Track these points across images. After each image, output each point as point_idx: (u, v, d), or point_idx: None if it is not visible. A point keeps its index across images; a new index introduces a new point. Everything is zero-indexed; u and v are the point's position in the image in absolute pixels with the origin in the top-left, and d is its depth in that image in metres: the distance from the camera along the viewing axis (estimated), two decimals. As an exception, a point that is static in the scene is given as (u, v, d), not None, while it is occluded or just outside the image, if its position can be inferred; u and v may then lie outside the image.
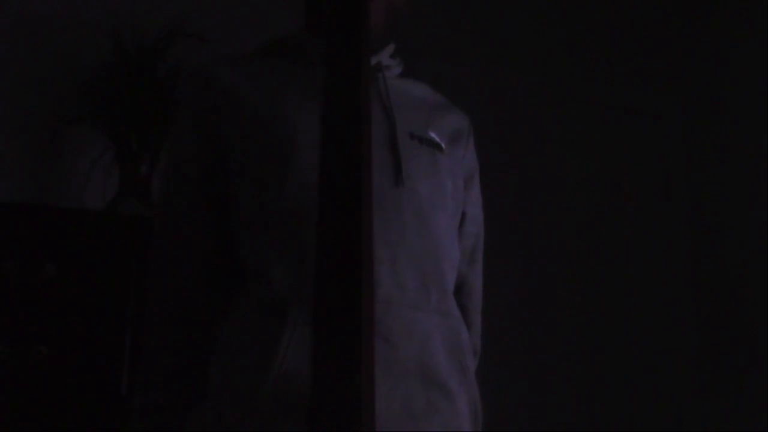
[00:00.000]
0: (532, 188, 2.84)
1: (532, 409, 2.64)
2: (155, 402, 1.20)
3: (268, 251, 1.16)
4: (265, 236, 1.17)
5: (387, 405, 1.10)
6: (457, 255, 1.30)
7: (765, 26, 2.86)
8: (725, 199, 2.93)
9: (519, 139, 2.83)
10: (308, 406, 0.49)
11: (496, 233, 1.91)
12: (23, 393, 1.73)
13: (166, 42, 2.09)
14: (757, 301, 2.76)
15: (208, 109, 1.23)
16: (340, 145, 0.59)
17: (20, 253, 1.79)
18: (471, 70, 2.79)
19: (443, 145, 1.29)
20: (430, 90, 1.39)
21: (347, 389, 0.49)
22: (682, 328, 2.92)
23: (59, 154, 2.17)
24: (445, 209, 1.27)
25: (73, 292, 1.80)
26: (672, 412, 2.83)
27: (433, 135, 1.28)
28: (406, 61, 1.38)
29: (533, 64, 2.88)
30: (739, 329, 2.82)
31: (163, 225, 1.26)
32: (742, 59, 2.95)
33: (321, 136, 0.62)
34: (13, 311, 1.77)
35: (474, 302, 1.41)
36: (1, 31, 2.21)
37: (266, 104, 1.22)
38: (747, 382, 2.76)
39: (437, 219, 1.24)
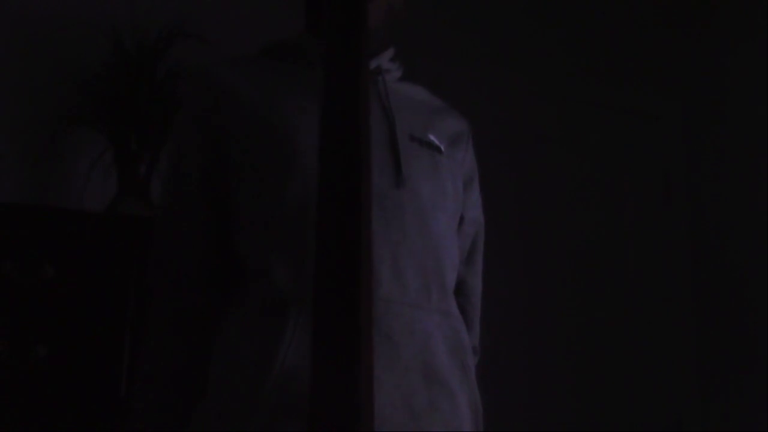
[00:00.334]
0: (531, 190, 2.84)
1: (533, 410, 2.64)
2: (155, 402, 1.21)
3: (269, 251, 1.16)
4: (266, 236, 1.17)
5: (389, 403, 1.10)
6: (456, 256, 1.31)
7: (765, 27, 2.86)
8: (725, 200, 2.93)
9: (518, 140, 2.83)
10: (308, 406, 0.49)
11: (497, 234, 1.91)
12: (22, 394, 1.73)
13: (166, 42, 2.09)
14: (757, 302, 2.76)
15: (209, 109, 1.23)
16: (340, 145, 0.60)
17: (19, 253, 1.79)
18: (471, 70, 2.79)
19: (443, 148, 1.30)
20: (429, 94, 1.40)
21: (346, 389, 0.49)
22: (681, 328, 2.92)
23: (58, 154, 2.17)
24: (446, 210, 1.27)
25: (73, 292, 1.79)
26: (672, 412, 2.83)
27: (432, 138, 1.29)
28: (406, 61, 1.39)
29: (533, 64, 2.88)
30: (739, 330, 2.82)
31: (162, 224, 1.27)
32: (742, 60, 2.95)
33: (320, 136, 0.62)
34: (12, 312, 1.76)
35: (472, 303, 1.41)
36: (0, 32, 2.21)
37: (267, 105, 1.22)
38: (747, 382, 2.76)
39: (438, 219, 1.24)
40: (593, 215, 2.90)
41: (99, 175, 2.12)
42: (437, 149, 1.29)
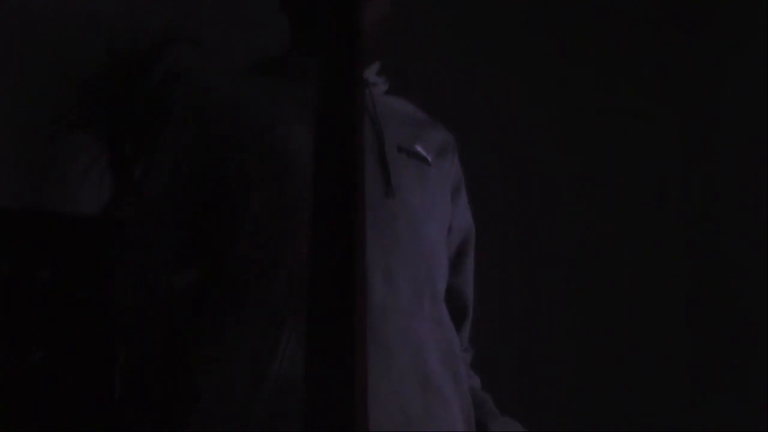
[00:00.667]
0: (526, 192, 2.84)
1: (533, 410, 2.64)
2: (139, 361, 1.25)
3: (265, 259, 1.16)
4: (261, 244, 1.17)
5: (385, 410, 1.11)
6: (446, 265, 1.32)
7: (763, 29, 2.86)
8: (721, 201, 2.94)
9: (513, 142, 2.84)
10: (303, 413, 0.49)
11: (492, 237, 1.92)
12: (18, 397, 1.73)
13: (162, 46, 2.09)
14: (754, 302, 2.76)
15: (204, 116, 1.24)
16: (334, 154, 0.60)
17: (15, 257, 1.79)
18: (464, 74, 2.80)
19: (430, 159, 1.32)
20: (414, 107, 1.43)
21: (341, 396, 0.49)
22: (678, 329, 2.93)
23: (54, 158, 2.17)
24: (435, 220, 1.29)
25: (68, 296, 1.79)
26: (668, 413, 2.84)
27: (419, 149, 1.32)
28: (398, 67, 1.41)
29: (527, 66, 2.88)
30: (736, 330, 2.82)
31: (139, 212, 1.30)
32: (739, 62, 2.96)
33: (314, 150, 0.62)
34: (8, 315, 1.76)
35: (462, 307, 1.42)
36: (-5, 35, 2.21)
37: (259, 115, 1.23)
38: (744, 381, 2.76)
39: (428, 229, 1.26)
40: (589, 217, 2.91)
41: (94, 179, 2.12)
42: (425, 160, 1.31)
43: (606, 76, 3.00)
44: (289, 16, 1.35)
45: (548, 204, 2.85)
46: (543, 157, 2.87)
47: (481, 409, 1.35)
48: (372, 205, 1.19)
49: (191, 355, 1.25)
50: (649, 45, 3.09)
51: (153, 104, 2.02)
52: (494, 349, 2.52)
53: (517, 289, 2.71)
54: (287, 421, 1.08)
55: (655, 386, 2.85)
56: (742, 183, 2.87)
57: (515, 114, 2.84)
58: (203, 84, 1.28)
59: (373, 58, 1.35)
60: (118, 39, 2.16)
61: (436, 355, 1.21)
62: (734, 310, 2.84)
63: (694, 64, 3.10)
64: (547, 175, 2.87)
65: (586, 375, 2.77)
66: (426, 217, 1.26)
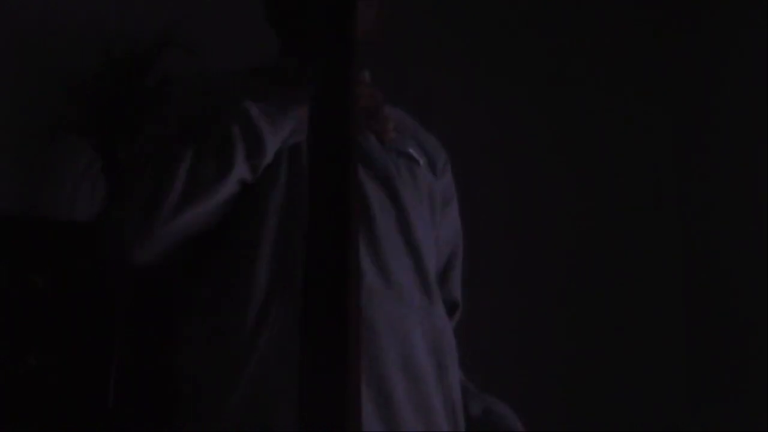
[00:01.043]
0: (522, 195, 2.85)
1: (532, 411, 2.63)
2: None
3: (250, 248, 1.17)
4: (249, 233, 1.18)
5: (365, 389, 1.11)
6: (435, 260, 1.33)
7: (757, 32, 2.87)
8: (715, 204, 2.94)
9: (508, 145, 2.84)
10: (297, 406, 0.49)
11: (488, 240, 1.92)
12: (12, 403, 1.72)
13: (156, 52, 2.09)
14: (756, 302, 2.76)
15: (200, 99, 1.26)
16: (328, 146, 0.61)
17: (8, 263, 1.79)
18: (460, 79, 2.80)
19: (421, 162, 1.34)
20: (409, 117, 1.44)
21: (334, 390, 0.49)
22: (679, 330, 2.94)
23: (47, 163, 2.17)
24: (423, 217, 1.31)
25: (62, 302, 1.79)
26: (671, 413, 2.84)
27: (411, 151, 1.33)
28: (396, 70, 1.42)
29: (521, 70, 2.89)
30: (731, 332, 2.83)
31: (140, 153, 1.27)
32: (733, 65, 2.96)
33: (309, 141, 0.62)
34: (1, 322, 1.76)
35: (450, 305, 1.43)
36: (-12, 40, 2.21)
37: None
38: (746, 382, 2.76)
39: (417, 223, 1.27)
40: (585, 219, 2.91)
41: (89, 184, 2.12)
42: (416, 162, 1.33)
43: (601, 79, 3.01)
44: (277, 28, 1.37)
45: (544, 206, 2.85)
46: (537, 159, 2.87)
47: (463, 394, 1.35)
48: (364, 196, 1.21)
49: (178, 346, 1.25)
50: (644, 47, 3.10)
51: (148, 110, 2.01)
52: (494, 350, 2.52)
53: (514, 292, 2.71)
54: (266, 410, 1.09)
55: (654, 386, 2.85)
56: (738, 184, 2.88)
57: (508, 117, 2.84)
58: (201, 84, 1.30)
59: (364, 66, 1.37)
60: (113, 44, 2.15)
61: (423, 345, 1.22)
62: (733, 310, 2.85)
63: (690, 65, 3.10)
64: (542, 177, 2.87)
65: (585, 375, 2.77)
66: (415, 212, 1.29)
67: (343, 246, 0.55)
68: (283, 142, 1.19)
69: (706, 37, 3.07)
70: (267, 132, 1.16)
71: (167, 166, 1.16)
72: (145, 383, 1.71)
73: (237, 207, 1.21)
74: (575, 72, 2.97)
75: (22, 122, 2.17)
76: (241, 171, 1.17)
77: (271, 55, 1.45)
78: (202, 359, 1.21)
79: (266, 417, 1.11)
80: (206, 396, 1.18)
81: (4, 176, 2.14)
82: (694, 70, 3.09)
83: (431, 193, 1.37)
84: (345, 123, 0.64)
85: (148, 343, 1.74)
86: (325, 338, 0.51)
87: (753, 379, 2.73)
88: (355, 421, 0.50)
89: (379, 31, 1.32)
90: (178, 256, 1.24)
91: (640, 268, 2.94)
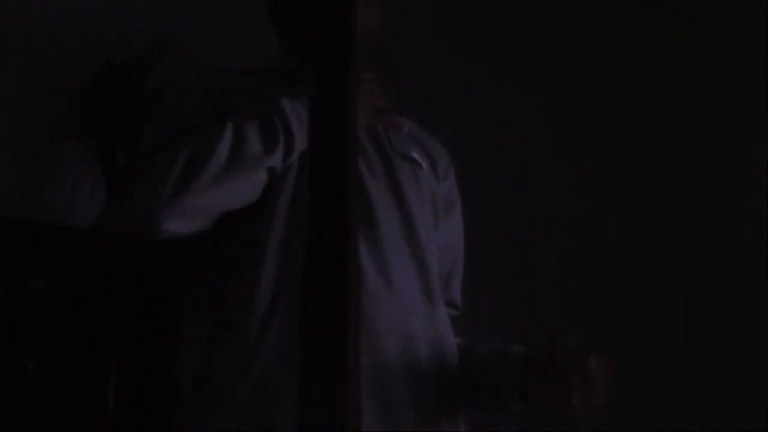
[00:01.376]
0: (522, 199, 2.85)
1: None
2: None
3: (257, 249, 1.17)
4: (256, 233, 1.19)
5: (368, 395, 1.12)
6: (437, 266, 1.34)
7: (756, 37, 2.87)
8: (718, 207, 2.94)
9: (507, 150, 2.84)
10: (297, 408, 0.49)
11: (488, 244, 1.92)
12: (10, 408, 1.72)
13: (155, 56, 2.09)
14: (755, 303, 2.76)
15: (204, 103, 1.26)
16: (327, 146, 0.61)
17: (7, 267, 1.78)
18: (458, 84, 2.80)
19: (424, 166, 1.34)
20: (414, 124, 1.45)
21: (334, 392, 0.49)
22: (679, 330, 2.94)
23: (46, 166, 2.17)
24: (427, 220, 1.31)
25: (61, 306, 1.79)
26: (671, 413, 2.84)
27: (414, 155, 1.34)
28: (392, 80, 1.43)
29: (520, 75, 2.89)
30: (738, 331, 2.83)
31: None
32: (732, 70, 2.96)
33: (310, 143, 0.62)
34: (0, 325, 1.76)
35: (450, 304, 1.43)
36: (-14, 45, 2.21)
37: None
38: (746, 382, 2.77)
39: (421, 226, 1.28)
40: (583, 221, 2.91)
41: (88, 189, 2.12)
42: (419, 165, 1.34)
43: (601, 81, 3.01)
44: (278, 28, 1.37)
45: (544, 207, 2.85)
46: (537, 161, 2.87)
47: (465, 351, 1.33)
48: (367, 198, 1.21)
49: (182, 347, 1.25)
50: (643, 48, 3.10)
51: (146, 114, 2.02)
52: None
53: (514, 293, 2.71)
54: (270, 411, 1.09)
55: (654, 386, 2.85)
56: (739, 185, 2.88)
57: (508, 119, 2.84)
58: (208, 83, 1.31)
59: (371, 72, 1.37)
60: (112, 47, 2.15)
61: (425, 350, 1.22)
62: (733, 310, 2.85)
63: (689, 68, 3.10)
64: (542, 178, 2.87)
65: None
66: (419, 215, 1.29)
67: (342, 247, 0.55)
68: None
69: (706, 39, 3.07)
70: (297, 131, 1.18)
71: (208, 139, 1.17)
72: (146, 385, 1.71)
73: (244, 207, 1.21)
74: (575, 74, 2.98)
75: (21, 125, 2.17)
76: (277, 159, 1.18)
77: (269, 56, 1.45)
78: (205, 360, 1.21)
79: (269, 418, 1.11)
80: (209, 396, 1.18)
81: (3, 179, 2.14)
82: (694, 71, 3.09)
83: (434, 196, 1.37)
84: (344, 123, 0.64)
85: (148, 345, 1.74)
86: (324, 339, 0.51)
87: (753, 379, 2.73)
88: (354, 422, 0.50)
89: (380, 32, 1.32)
90: (196, 241, 1.25)
91: (641, 268, 2.94)
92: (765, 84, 2.81)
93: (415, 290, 1.25)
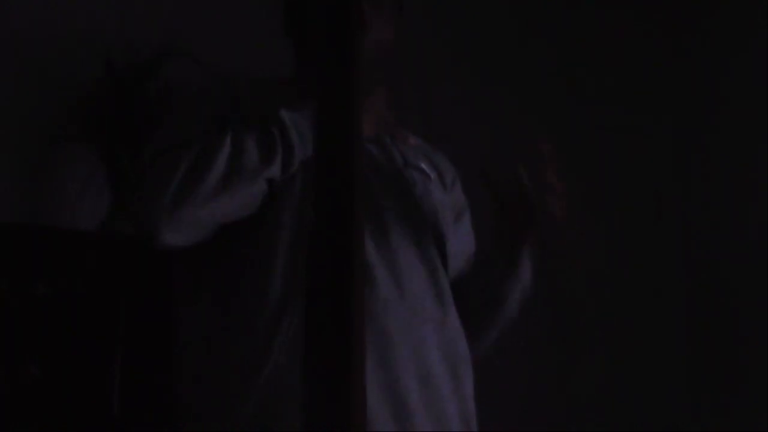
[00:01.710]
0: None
1: (533, 411, 2.65)
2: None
3: (266, 254, 1.18)
4: (265, 238, 1.20)
5: (384, 399, 1.12)
6: (446, 272, 1.34)
7: (757, 39, 2.87)
8: (719, 210, 2.95)
9: (505, 149, 2.84)
10: (300, 406, 0.50)
11: (485, 247, 1.91)
12: (14, 413, 1.73)
13: (158, 61, 2.09)
14: (755, 304, 2.77)
15: (208, 112, 1.27)
16: (332, 156, 0.61)
17: (11, 272, 1.79)
18: (458, 88, 2.81)
19: (432, 177, 1.36)
20: (419, 138, 1.46)
21: (338, 390, 0.50)
22: (680, 331, 2.95)
23: (52, 173, 2.17)
24: (437, 228, 1.31)
25: (65, 311, 1.79)
26: (671, 413, 2.85)
27: (423, 166, 1.35)
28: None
29: (520, 78, 2.89)
30: (738, 332, 2.84)
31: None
32: (736, 70, 2.97)
33: (315, 147, 0.63)
34: (4, 331, 1.76)
35: None
36: (-11, 50, 2.21)
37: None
38: (746, 382, 2.77)
39: (430, 234, 1.28)
40: (584, 222, 2.91)
41: (93, 194, 2.12)
42: (428, 176, 1.35)
43: (600, 83, 3.01)
44: (294, 42, 1.37)
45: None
46: (536, 164, 2.87)
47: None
48: (379, 206, 1.22)
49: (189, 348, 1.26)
50: (644, 51, 3.10)
51: (150, 119, 2.02)
52: (494, 351, 2.53)
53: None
54: (278, 415, 1.10)
55: (654, 386, 2.86)
56: (739, 187, 2.88)
57: (508, 122, 2.85)
58: (220, 81, 1.31)
59: (381, 84, 1.37)
60: (116, 53, 2.16)
61: (437, 354, 1.23)
62: (733, 310, 2.86)
63: (690, 71, 3.11)
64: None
65: (586, 375, 2.78)
66: (428, 223, 1.30)
67: (347, 251, 0.55)
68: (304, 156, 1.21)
69: (707, 41, 3.08)
70: (297, 144, 1.18)
71: (206, 151, 1.17)
72: (150, 390, 1.72)
73: (253, 214, 1.22)
74: (575, 74, 2.98)
75: (25, 130, 2.17)
76: (276, 169, 1.19)
77: (272, 58, 1.45)
78: (211, 362, 1.22)
79: (277, 420, 1.12)
80: (215, 398, 1.18)
81: (7, 184, 2.14)
82: (695, 73, 3.09)
83: (443, 206, 1.38)
84: (349, 132, 0.64)
85: (152, 349, 1.75)
86: (329, 343, 0.52)
87: (753, 379, 2.74)
88: (359, 423, 0.51)
89: (390, 43, 1.32)
90: (198, 249, 1.26)
91: (641, 268, 2.95)
92: (765, 84, 2.81)
93: (426, 296, 1.27)
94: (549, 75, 2.94)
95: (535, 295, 2.74)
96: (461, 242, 1.45)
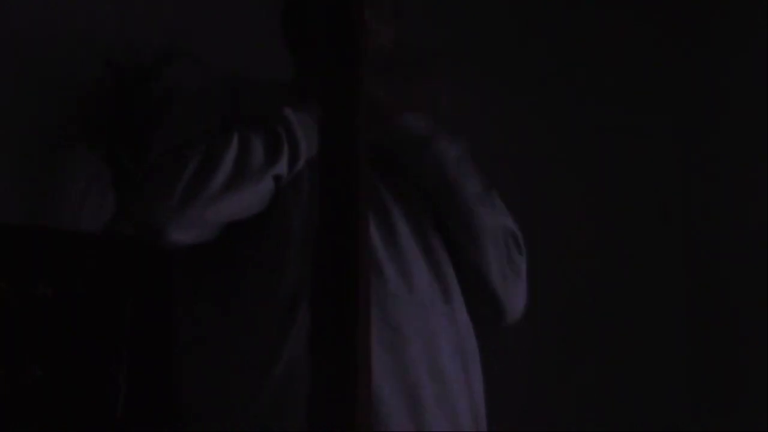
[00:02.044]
0: (524, 204, 2.85)
1: (533, 411, 2.65)
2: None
3: (277, 252, 1.19)
4: (276, 237, 1.20)
5: (396, 392, 1.13)
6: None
7: (759, 41, 2.87)
8: (722, 214, 2.95)
9: (509, 156, 2.84)
10: (307, 399, 0.50)
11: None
12: (17, 415, 1.73)
13: (162, 62, 2.09)
14: (755, 303, 2.77)
15: (212, 113, 1.27)
16: (336, 154, 0.62)
17: (14, 273, 1.79)
18: (458, 84, 2.80)
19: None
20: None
21: (344, 382, 0.50)
22: (680, 332, 2.95)
23: (53, 174, 2.17)
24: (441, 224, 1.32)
25: (68, 313, 1.79)
26: (671, 413, 2.85)
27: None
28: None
29: (521, 80, 2.89)
30: (738, 332, 2.84)
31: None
32: (735, 75, 2.97)
33: (320, 147, 0.63)
34: (7, 332, 1.76)
35: None
36: (-8, 51, 2.21)
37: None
38: (746, 382, 2.78)
39: (437, 230, 1.29)
40: (586, 223, 2.92)
41: (95, 195, 2.12)
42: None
43: (601, 84, 3.01)
44: (290, 44, 1.38)
45: (545, 208, 2.85)
46: (538, 163, 2.88)
47: None
48: (383, 206, 1.23)
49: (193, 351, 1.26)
50: (646, 52, 3.10)
51: (151, 120, 2.02)
52: (493, 351, 2.53)
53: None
54: (292, 410, 1.10)
55: (654, 386, 2.86)
56: (741, 189, 2.88)
57: (508, 121, 2.85)
58: (224, 80, 1.32)
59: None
60: (118, 55, 2.16)
61: (447, 348, 1.24)
62: (733, 310, 2.86)
63: (690, 70, 3.11)
64: (542, 179, 2.88)
65: (586, 375, 2.78)
66: (432, 220, 1.31)
67: (352, 245, 0.56)
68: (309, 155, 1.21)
69: (707, 41, 3.08)
70: (302, 141, 1.19)
71: (213, 151, 1.18)
72: (154, 392, 1.72)
73: (258, 214, 1.22)
74: (575, 75, 2.98)
75: (25, 130, 2.17)
76: (282, 167, 1.19)
77: (275, 60, 1.46)
78: (213, 363, 1.22)
79: (288, 419, 1.12)
80: (221, 398, 1.19)
81: (8, 184, 2.14)
82: (695, 73, 3.09)
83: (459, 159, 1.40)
84: (352, 132, 0.65)
85: (156, 351, 1.75)
86: (335, 336, 0.52)
87: (753, 379, 2.75)
88: (364, 419, 0.51)
89: (391, 45, 1.33)
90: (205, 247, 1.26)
91: (641, 268, 2.95)
92: (765, 84, 2.81)
93: (434, 291, 1.28)
94: (549, 75, 2.94)
95: (535, 295, 2.76)
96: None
